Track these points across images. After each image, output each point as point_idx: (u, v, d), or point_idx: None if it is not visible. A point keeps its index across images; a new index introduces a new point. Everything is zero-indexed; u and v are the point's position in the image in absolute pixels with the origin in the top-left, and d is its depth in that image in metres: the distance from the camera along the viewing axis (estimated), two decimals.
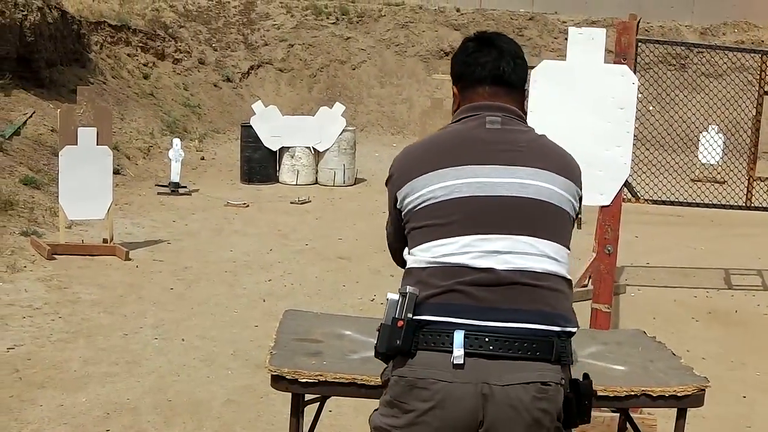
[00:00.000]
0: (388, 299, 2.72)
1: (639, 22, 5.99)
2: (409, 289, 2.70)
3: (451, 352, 2.63)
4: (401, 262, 3.02)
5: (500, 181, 2.73)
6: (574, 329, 2.76)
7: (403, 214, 2.86)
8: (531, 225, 2.73)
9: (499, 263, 2.68)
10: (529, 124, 2.93)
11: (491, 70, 2.89)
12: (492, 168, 2.75)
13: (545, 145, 2.87)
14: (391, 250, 3.13)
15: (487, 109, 2.86)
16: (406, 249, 2.87)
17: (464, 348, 2.62)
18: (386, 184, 2.95)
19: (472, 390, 2.62)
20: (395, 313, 2.68)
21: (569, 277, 2.81)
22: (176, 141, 14.75)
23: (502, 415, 2.62)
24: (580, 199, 2.92)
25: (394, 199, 2.89)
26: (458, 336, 2.63)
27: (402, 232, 2.90)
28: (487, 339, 2.63)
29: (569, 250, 2.84)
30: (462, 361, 2.62)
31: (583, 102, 5.43)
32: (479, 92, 2.90)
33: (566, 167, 2.85)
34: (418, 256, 2.77)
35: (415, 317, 2.67)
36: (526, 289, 2.68)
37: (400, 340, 2.66)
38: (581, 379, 2.82)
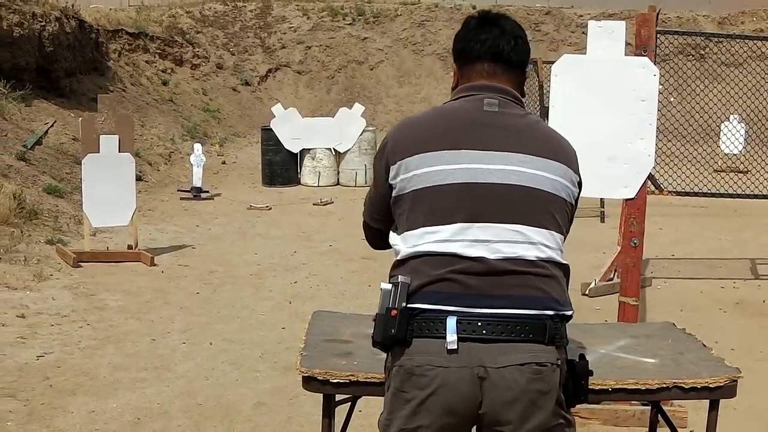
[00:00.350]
0: (381, 289, 2.74)
1: (659, 13, 5.96)
2: (401, 278, 2.71)
3: (445, 338, 2.64)
4: (377, 239, 3.08)
5: (494, 168, 2.72)
6: (569, 312, 2.77)
7: (393, 190, 2.84)
8: (523, 213, 2.72)
9: (490, 252, 2.69)
10: (526, 109, 2.92)
11: (490, 47, 2.86)
12: (487, 154, 2.73)
13: (541, 131, 2.86)
14: (368, 224, 3.11)
15: (486, 90, 2.84)
16: (394, 231, 2.86)
17: (458, 333, 2.64)
18: (376, 156, 2.92)
19: (468, 374, 2.63)
20: (389, 302, 2.70)
21: (564, 261, 2.81)
22: (197, 146, 14.80)
23: (499, 397, 2.64)
24: (580, 184, 2.90)
25: (385, 170, 2.85)
26: (451, 321, 2.65)
27: (387, 206, 2.89)
28: (480, 323, 2.65)
29: (564, 235, 2.84)
30: (456, 347, 2.63)
31: (604, 95, 5.41)
32: (477, 70, 2.88)
33: (562, 153, 2.83)
34: (409, 241, 2.77)
35: (408, 306, 2.69)
36: (517, 277, 2.69)
37: (395, 329, 2.68)
38: (577, 360, 2.84)
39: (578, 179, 2.88)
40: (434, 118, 2.86)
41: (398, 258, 2.81)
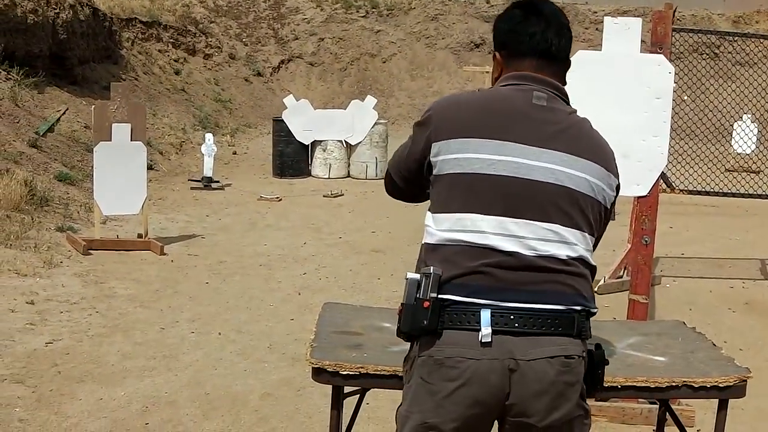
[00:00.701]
0: (407, 278, 2.73)
1: (675, 11, 5.94)
2: (432, 269, 2.70)
3: (478, 330, 2.64)
4: (395, 190, 3.13)
5: (536, 165, 2.71)
6: (594, 309, 2.79)
7: (433, 168, 2.82)
8: (560, 213, 2.72)
9: (524, 248, 2.69)
10: (569, 104, 2.90)
11: (539, 42, 2.84)
12: (531, 149, 2.72)
13: (585, 131, 2.84)
14: (393, 178, 3.10)
15: (535, 82, 2.82)
16: (429, 210, 2.83)
17: (491, 326, 2.64)
18: (419, 124, 2.89)
19: (499, 366, 2.64)
20: (419, 293, 2.69)
21: (593, 263, 2.82)
22: (209, 136, 14.81)
23: (528, 389, 2.65)
24: (617, 188, 2.90)
25: (425, 143, 2.82)
26: (485, 314, 2.65)
27: (415, 168, 2.90)
28: (512, 316, 2.66)
29: (596, 237, 2.85)
30: (490, 339, 2.64)
31: (619, 92, 5.40)
32: (525, 64, 2.86)
33: (603, 155, 2.83)
34: (443, 224, 2.75)
35: (439, 296, 2.68)
36: (549, 274, 2.70)
37: (427, 320, 2.67)
38: (594, 349, 2.85)
39: (617, 183, 2.88)
40: (483, 102, 2.83)
41: (430, 242, 2.80)
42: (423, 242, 2.85)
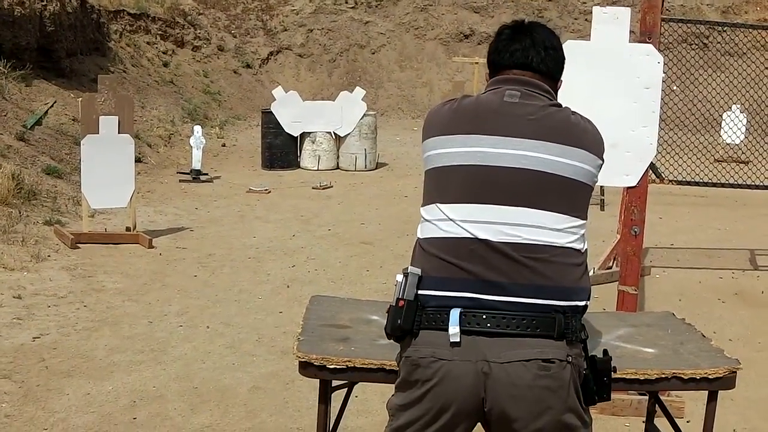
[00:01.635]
0: (396, 280, 2.76)
1: (664, 1, 5.93)
2: (410, 269, 2.75)
3: (449, 330, 2.65)
4: None
5: (503, 152, 2.72)
6: (582, 303, 2.75)
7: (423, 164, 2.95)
8: (533, 197, 2.71)
9: (495, 235, 2.68)
10: (551, 98, 2.89)
11: (519, 58, 2.87)
12: (499, 139, 2.74)
13: (561, 118, 2.82)
14: None
15: (509, 83, 2.86)
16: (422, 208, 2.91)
17: (461, 326, 2.64)
18: None
19: (472, 368, 2.63)
20: (398, 293, 2.72)
21: (578, 246, 2.77)
22: (197, 128, 14.76)
23: (504, 393, 2.62)
24: (600, 168, 2.88)
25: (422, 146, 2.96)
26: (454, 314, 2.65)
27: None
28: (484, 316, 2.65)
29: (583, 219, 2.81)
30: (458, 339, 2.64)
31: (608, 82, 5.38)
32: (504, 74, 2.90)
33: (583, 138, 2.79)
34: (423, 216, 2.84)
35: (419, 292, 2.71)
36: (524, 262, 2.67)
37: (401, 320, 2.70)
38: (600, 356, 2.81)
39: (601, 163, 2.86)
40: (460, 106, 2.88)
41: (417, 237, 2.86)
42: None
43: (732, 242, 10.95)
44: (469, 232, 2.69)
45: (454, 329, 2.63)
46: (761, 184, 9.05)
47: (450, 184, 2.76)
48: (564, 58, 2.97)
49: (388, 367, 3.19)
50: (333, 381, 3.38)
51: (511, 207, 2.69)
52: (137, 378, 5.89)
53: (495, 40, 2.97)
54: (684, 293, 8.48)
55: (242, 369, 6.14)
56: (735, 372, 3.29)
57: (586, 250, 2.81)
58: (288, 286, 8.26)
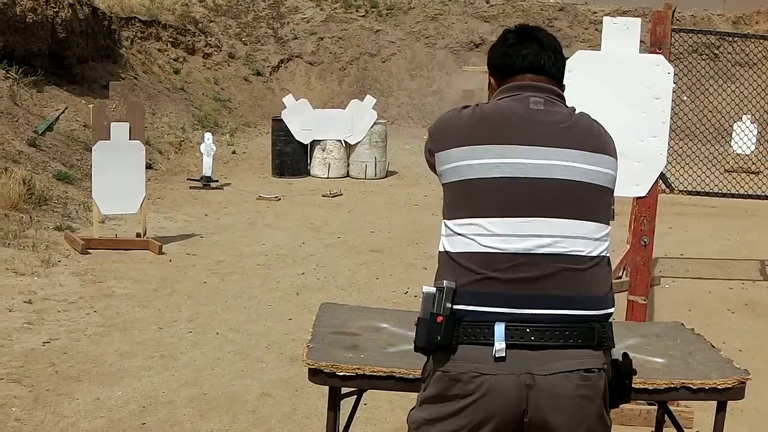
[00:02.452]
0: (423, 292, 2.70)
1: (674, 11, 5.93)
2: (445, 283, 2.68)
3: (493, 344, 2.62)
4: None
5: (542, 163, 2.71)
6: (612, 309, 2.76)
7: (439, 178, 2.85)
8: (573, 207, 2.71)
9: (536, 247, 2.67)
10: (569, 105, 2.90)
11: (532, 62, 2.87)
12: (535, 149, 2.72)
13: (588, 126, 2.84)
14: None
15: (531, 89, 2.84)
16: (442, 221, 2.83)
17: (506, 340, 2.62)
18: (428, 137, 2.95)
19: (515, 381, 2.61)
20: (433, 307, 2.67)
21: (607, 254, 2.80)
22: (208, 135, 14.80)
23: (546, 404, 2.62)
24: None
25: (432, 158, 2.88)
26: (499, 328, 2.63)
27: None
28: (528, 330, 2.63)
29: (609, 225, 2.82)
30: (504, 354, 2.61)
31: (618, 92, 5.38)
32: (519, 78, 2.88)
33: (607, 145, 2.83)
34: (454, 230, 2.74)
35: (454, 306, 2.66)
36: (564, 275, 2.67)
37: (441, 336, 2.65)
38: (621, 359, 2.83)
39: (616, 164, 2.89)
40: (480, 114, 2.83)
41: (443, 250, 2.79)
42: (438, 251, 2.83)
43: (742, 253, 10.93)
44: (513, 246, 2.66)
45: (500, 344, 2.61)
46: None
47: (489, 197, 2.70)
48: (566, 63, 3.00)
49: (397, 375, 3.20)
50: (342, 388, 3.38)
51: (554, 219, 2.68)
52: (147, 383, 5.90)
53: (501, 44, 2.95)
54: (694, 303, 8.47)
55: (251, 376, 6.14)
56: (744, 382, 3.29)
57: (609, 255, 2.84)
58: (297, 294, 8.27)
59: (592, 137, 2.80)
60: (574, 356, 2.64)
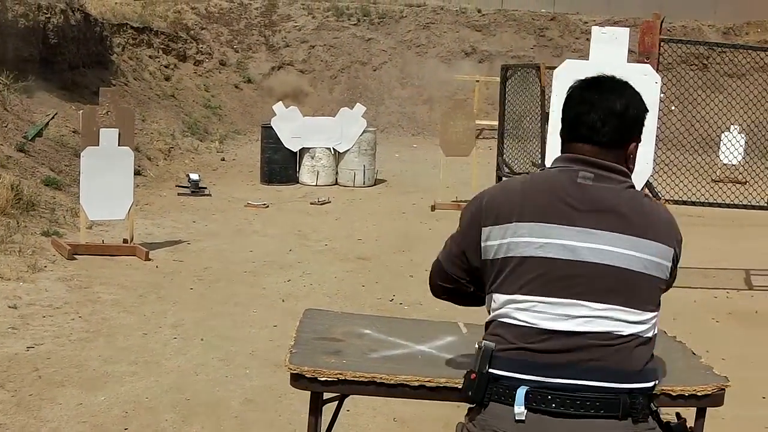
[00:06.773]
0: (475, 347, 2.84)
1: (663, 21, 5.96)
2: (484, 343, 2.79)
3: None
4: (439, 288, 3.09)
5: (583, 246, 2.73)
6: (650, 384, 2.79)
7: (481, 252, 2.85)
8: (610, 293, 2.73)
9: (572, 327, 2.71)
10: (626, 178, 2.86)
11: (593, 132, 2.83)
12: (577, 230, 2.73)
13: (635, 206, 2.82)
14: (441, 265, 3.06)
15: (582, 163, 2.82)
16: (490, 294, 2.86)
17: (527, 404, 2.68)
18: (471, 206, 2.93)
19: None
20: (474, 364, 2.79)
21: (649, 335, 2.82)
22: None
23: None
24: (676, 258, 2.88)
25: (476, 227, 2.86)
26: (520, 392, 2.69)
27: (466, 262, 2.92)
28: (550, 396, 2.68)
29: (655, 312, 2.85)
30: (523, 418, 2.68)
31: None
32: (577, 147, 2.86)
33: (655, 228, 2.80)
34: (496, 302, 2.81)
35: (489, 369, 2.76)
36: (593, 350, 2.70)
37: (472, 392, 2.77)
38: (675, 420, 2.89)
39: (674, 253, 2.86)
40: (527, 185, 2.88)
41: (488, 318, 2.88)
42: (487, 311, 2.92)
43: (727, 262, 10.95)
44: (549, 324, 2.71)
45: (519, 408, 2.68)
46: (758, 204, 9.06)
47: (530, 275, 2.74)
48: (643, 110, 2.91)
49: (378, 380, 3.19)
50: (324, 394, 3.38)
51: (592, 303, 2.71)
52: (130, 389, 5.90)
53: (568, 100, 2.90)
54: (679, 312, 8.46)
55: (235, 382, 6.14)
56: (723, 389, 3.29)
57: (655, 335, 2.86)
58: (283, 301, 8.27)
59: (637, 219, 2.78)
60: (594, 426, 2.68)
